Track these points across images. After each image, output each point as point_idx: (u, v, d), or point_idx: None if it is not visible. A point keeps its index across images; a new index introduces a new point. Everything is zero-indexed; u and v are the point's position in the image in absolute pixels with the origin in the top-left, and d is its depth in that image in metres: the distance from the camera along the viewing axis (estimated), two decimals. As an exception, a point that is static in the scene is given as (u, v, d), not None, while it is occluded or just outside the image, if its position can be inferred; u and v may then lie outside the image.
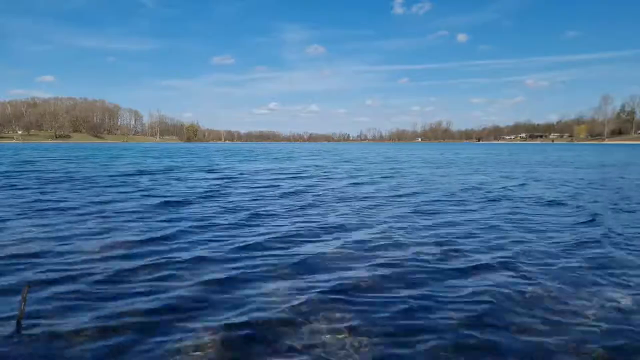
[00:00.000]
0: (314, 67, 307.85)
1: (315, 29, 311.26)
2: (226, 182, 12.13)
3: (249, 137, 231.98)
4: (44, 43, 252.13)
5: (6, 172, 14.88)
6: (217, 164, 21.22)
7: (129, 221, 6.12)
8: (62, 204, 7.57)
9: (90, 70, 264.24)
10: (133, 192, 9.59)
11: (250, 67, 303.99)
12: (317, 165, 20.74)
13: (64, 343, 2.57)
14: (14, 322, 2.77)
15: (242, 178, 13.49)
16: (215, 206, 7.57)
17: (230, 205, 7.62)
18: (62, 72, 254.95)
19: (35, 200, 8.06)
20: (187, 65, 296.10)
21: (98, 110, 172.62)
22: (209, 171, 16.53)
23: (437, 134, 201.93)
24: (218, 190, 9.94)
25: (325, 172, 16.54)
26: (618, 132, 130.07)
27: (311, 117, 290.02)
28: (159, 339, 2.62)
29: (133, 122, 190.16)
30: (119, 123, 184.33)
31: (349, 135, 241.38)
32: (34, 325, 2.77)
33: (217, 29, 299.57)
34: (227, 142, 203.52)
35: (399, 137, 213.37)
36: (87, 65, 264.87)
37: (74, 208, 7.18)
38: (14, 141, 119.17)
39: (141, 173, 15.10)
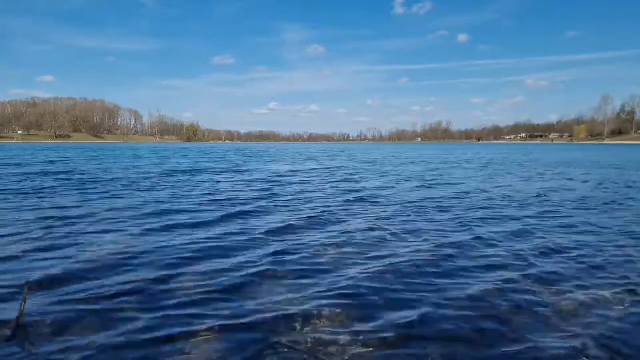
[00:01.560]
0: (314, 67, 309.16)
1: (315, 29, 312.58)
2: (271, 184, 12.00)
3: (249, 137, 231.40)
4: (44, 43, 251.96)
5: (27, 173, 14.89)
6: (243, 165, 21.07)
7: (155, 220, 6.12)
8: (106, 205, 7.52)
9: (90, 70, 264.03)
10: (183, 192, 9.52)
11: (250, 67, 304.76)
12: (345, 166, 20.65)
13: (64, 343, 2.55)
14: (13, 321, 2.73)
15: (288, 181, 13.41)
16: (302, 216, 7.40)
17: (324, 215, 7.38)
18: (62, 72, 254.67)
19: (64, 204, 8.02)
20: (187, 65, 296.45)
21: (98, 110, 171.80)
22: (243, 172, 16.34)
23: (437, 134, 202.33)
24: (279, 195, 9.87)
25: (364, 173, 16.43)
26: (618, 132, 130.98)
27: (311, 117, 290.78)
28: (159, 338, 2.63)
29: (133, 122, 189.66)
30: (119, 123, 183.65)
31: (349, 135, 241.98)
32: (34, 325, 2.75)
33: (217, 29, 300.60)
34: (227, 142, 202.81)
35: (399, 137, 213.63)
36: (87, 65, 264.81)
37: (134, 208, 7.07)
38: (14, 141, 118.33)
39: (183, 172, 14.88)
